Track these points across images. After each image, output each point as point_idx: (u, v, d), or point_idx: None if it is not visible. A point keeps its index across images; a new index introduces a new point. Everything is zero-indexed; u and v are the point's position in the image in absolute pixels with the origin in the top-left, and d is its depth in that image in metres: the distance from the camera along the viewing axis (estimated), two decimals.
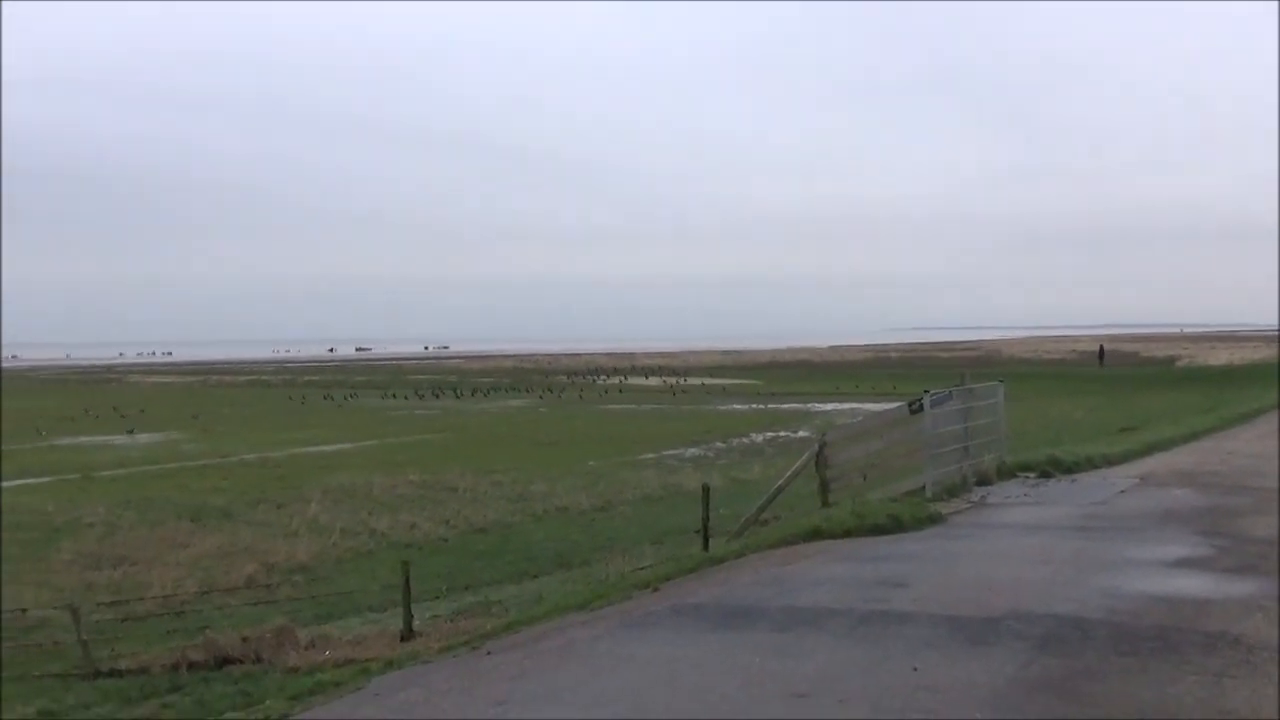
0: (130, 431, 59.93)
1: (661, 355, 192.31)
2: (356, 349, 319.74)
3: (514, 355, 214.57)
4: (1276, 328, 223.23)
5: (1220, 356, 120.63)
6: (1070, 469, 21.81)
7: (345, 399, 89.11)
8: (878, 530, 15.60)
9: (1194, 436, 28.76)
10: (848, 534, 15.50)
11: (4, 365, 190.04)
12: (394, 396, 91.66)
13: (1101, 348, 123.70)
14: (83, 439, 56.44)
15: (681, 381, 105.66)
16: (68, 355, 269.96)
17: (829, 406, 69.31)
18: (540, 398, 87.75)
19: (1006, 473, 21.10)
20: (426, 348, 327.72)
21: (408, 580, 16.87)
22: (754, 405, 73.39)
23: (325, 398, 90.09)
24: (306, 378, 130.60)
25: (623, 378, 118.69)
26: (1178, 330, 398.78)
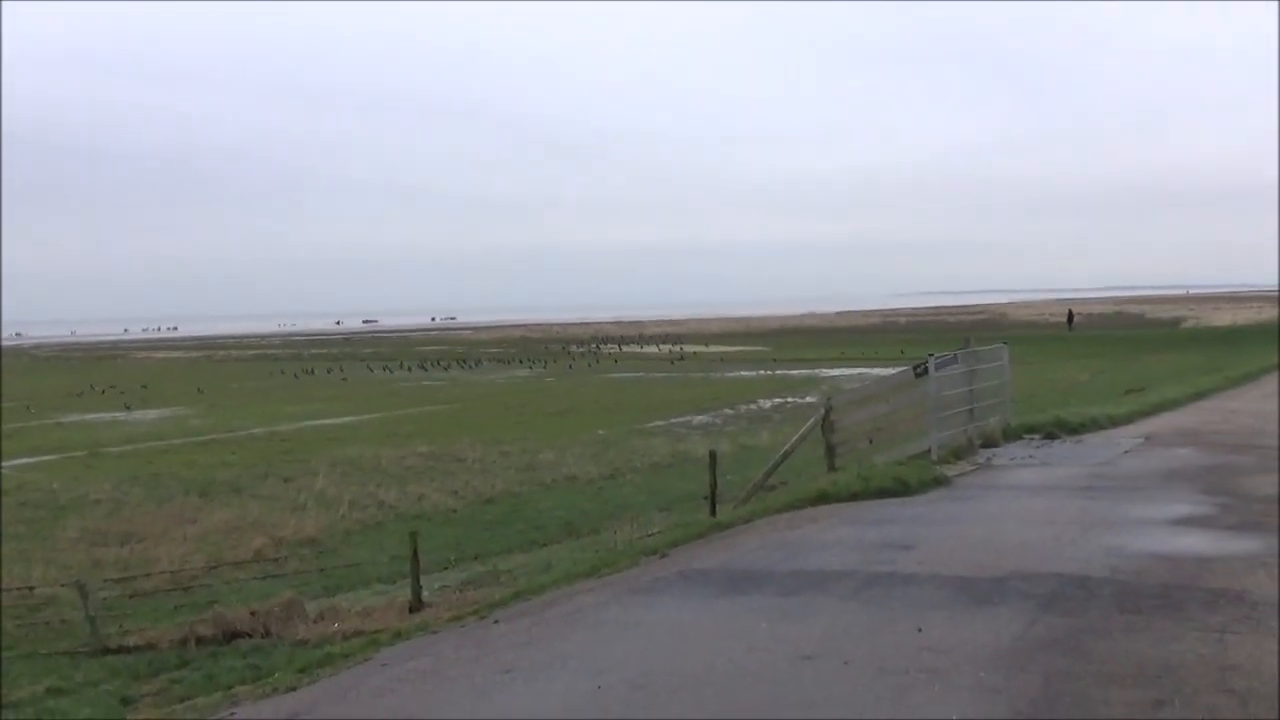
0: (127, 407, 59.89)
1: (670, 323, 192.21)
2: (363, 321, 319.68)
3: (522, 325, 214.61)
4: (1279, 288, 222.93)
5: (1224, 317, 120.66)
6: (1075, 430, 21.82)
7: (329, 372, 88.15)
8: (884, 493, 15.65)
9: (1198, 396, 28.73)
10: (854, 497, 15.55)
11: (7, 343, 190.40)
12: (387, 369, 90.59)
13: (1070, 312, 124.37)
14: (89, 416, 56.49)
15: (680, 349, 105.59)
16: (72, 332, 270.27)
17: (836, 372, 69.17)
18: (530, 368, 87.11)
19: (1012, 435, 21.11)
20: (433, 319, 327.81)
21: (416, 551, 16.90)
22: (762, 372, 73.28)
23: (308, 372, 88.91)
24: (313, 351, 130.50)
25: (618, 346, 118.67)
26: (1183, 291, 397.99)
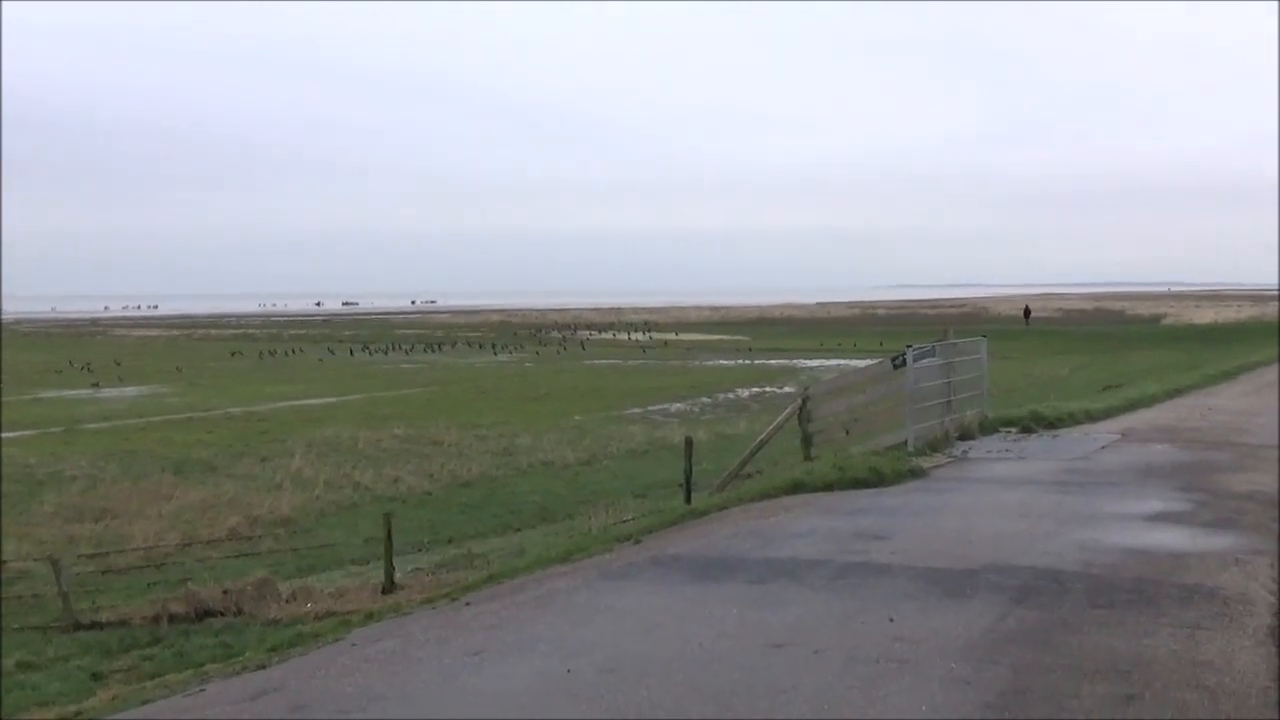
0: (96, 385, 59.64)
1: (649, 311, 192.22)
2: (343, 303, 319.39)
3: (501, 310, 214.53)
4: (1264, 286, 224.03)
5: (1205, 315, 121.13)
6: (1052, 424, 21.78)
7: (287, 355, 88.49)
8: (859, 484, 15.61)
9: (1177, 393, 28.72)
10: (829, 487, 15.51)
11: None
12: (353, 353, 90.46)
13: (1027, 308, 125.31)
14: (67, 392, 56.29)
15: (650, 337, 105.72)
16: (53, 308, 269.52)
17: (815, 363, 69.32)
18: (495, 354, 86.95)
19: (988, 428, 21.08)
20: (413, 302, 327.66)
21: (389, 533, 16.90)
22: (741, 361, 73.45)
23: (270, 353, 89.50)
24: (292, 332, 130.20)
25: (588, 333, 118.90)
26: (1165, 289, 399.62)
